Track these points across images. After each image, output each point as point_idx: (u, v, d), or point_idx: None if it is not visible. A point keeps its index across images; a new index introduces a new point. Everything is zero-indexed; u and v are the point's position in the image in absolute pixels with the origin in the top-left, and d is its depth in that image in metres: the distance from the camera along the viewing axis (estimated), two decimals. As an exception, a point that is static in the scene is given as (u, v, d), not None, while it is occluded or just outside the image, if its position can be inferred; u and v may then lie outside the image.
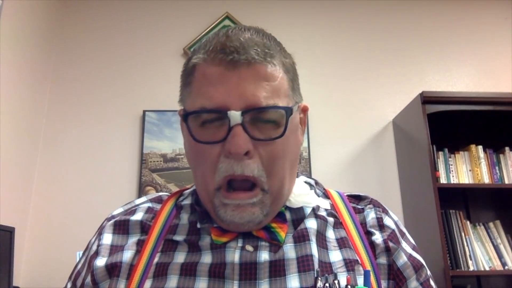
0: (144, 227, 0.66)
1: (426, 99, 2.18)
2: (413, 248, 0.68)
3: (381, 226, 0.66)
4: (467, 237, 2.12)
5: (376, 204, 0.70)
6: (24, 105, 2.24)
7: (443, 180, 2.17)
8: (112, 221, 0.68)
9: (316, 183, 0.73)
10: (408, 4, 2.83)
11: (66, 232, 2.24)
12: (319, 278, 0.57)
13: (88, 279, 0.63)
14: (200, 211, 0.65)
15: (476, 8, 2.84)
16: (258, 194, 0.59)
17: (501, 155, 2.29)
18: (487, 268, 2.06)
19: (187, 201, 0.70)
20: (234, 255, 0.59)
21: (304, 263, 0.59)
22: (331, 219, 0.66)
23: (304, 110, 0.68)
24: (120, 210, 0.71)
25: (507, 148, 2.30)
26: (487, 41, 2.76)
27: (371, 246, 0.64)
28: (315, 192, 0.70)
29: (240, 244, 0.60)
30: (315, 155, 2.45)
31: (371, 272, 0.61)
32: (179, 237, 0.63)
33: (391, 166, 2.49)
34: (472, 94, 2.31)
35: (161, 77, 2.54)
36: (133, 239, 0.65)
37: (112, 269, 0.62)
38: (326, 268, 0.59)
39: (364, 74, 2.65)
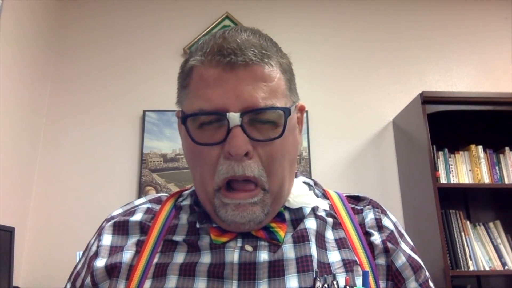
0: (144, 228, 0.66)
1: (426, 99, 2.18)
2: (412, 249, 0.68)
3: (380, 227, 0.67)
4: (467, 237, 2.12)
5: (375, 205, 0.70)
6: (24, 105, 2.25)
7: (443, 180, 2.17)
8: (111, 222, 0.68)
9: (315, 183, 0.73)
10: (408, 4, 2.83)
11: (66, 232, 2.24)
12: (318, 279, 0.57)
13: (88, 279, 0.63)
14: (199, 211, 0.65)
15: (476, 8, 2.84)
16: (259, 193, 0.59)
17: (501, 155, 2.29)
18: (487, 268, 2.06)
19: (186, 202, 0.70)
20: (233, 255, 0.59)
21: (303, 263, 0.59)
22: (330, 220, 0.66)
23: (301, 110, 0.68)
24: (120, 211, 0.71)
25: (507, 148, 2.30)
26: (487, 41, 2.76)
27: (370, 246, 0.64)
28: (314, 192, 0.70)
29: (239, 244, 0.60)
30: (315, 155, 2.45)
31: (369, 272, 0.61)
32: (178, 237, 0.64)
33: (391, 166, 2.49)
34: (472, 94, 2.31)
35: (161, 77, 2.54)
36: (132, 240, 0.65)
37: (112, 270, 0.62)
38: (325, 268, 0.59)
39: (364, 74, 2.65)
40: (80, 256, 0.71)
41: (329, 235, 0.65)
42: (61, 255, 2.16)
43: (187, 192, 0.73)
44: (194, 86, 0.60)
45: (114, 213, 0.71)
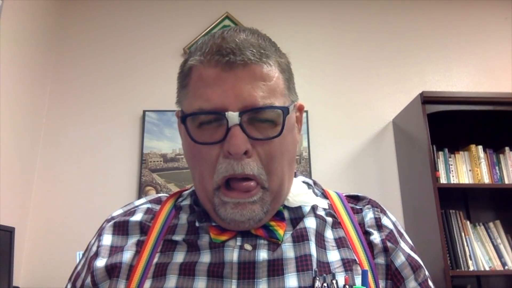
0: (144, 228, 0.67)
1: (426, 99, 2.18)
2: (411, 249, 0.68)
3: (379, 226, 0.67)
4: (467, 237, 2.12)
5: (374, 204, 0.71)
6: (24, 105, 2.25)
7: (443, 180, 2.17)
8: (111, 222, 0.69)
9: (315, 183, 0.73)
10: (408, 4, 2.83)
11: (66, 232, 2.24)
12: (317, 278, 0.57)
13: (88, 280, 0.63)
14: (199, 210, 0.66)
15: (476, 8, 2.84)
16: (259, 192, 0.59)
17: (501, 155, 2.29)
18: (487, 268, 2.06)
19: (186, 202, 0.70)
20: (232, 254, 0.59)
21: (302, 262, 0.59)
22: (329, 219, 0.66)
23: (300, 109, 0.69)
24: (120, 211, 0.72)
25: (507, 148, 2.30)
26: (487, 41, 2.76)
27: (369, 246, 0.65)
28: (314, 191, 0.70)
29: (238, 243, 0.61)
30: (315, 155, 2.45)
31: (369, 272, 0.61)
32: (178, 237, 0.64)
33: (391, 166, 2.49)
34: (472, 94, 2.30)
35: (161, 77, 2.54)
36: (132, 240, 0.66)
37: (112, 270, 0.63)
38: (324, 268, 0.60)
39: (364, 74, 2.65)
40: (80, 256, 0.71)
41: (329, 234, 0.65)
42: (61, 255, 2.17)
43: (187, 192, 0.73)
44: (193, 85, 0.60)
45: (114, 214, 0.71)
